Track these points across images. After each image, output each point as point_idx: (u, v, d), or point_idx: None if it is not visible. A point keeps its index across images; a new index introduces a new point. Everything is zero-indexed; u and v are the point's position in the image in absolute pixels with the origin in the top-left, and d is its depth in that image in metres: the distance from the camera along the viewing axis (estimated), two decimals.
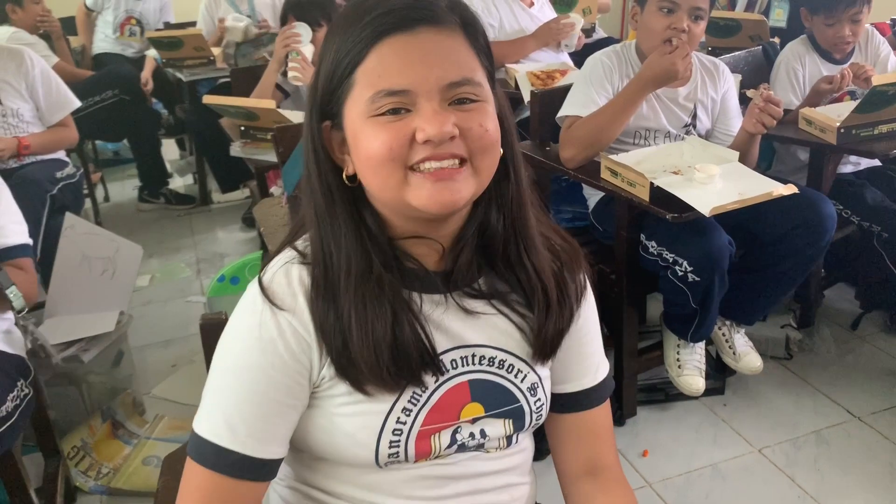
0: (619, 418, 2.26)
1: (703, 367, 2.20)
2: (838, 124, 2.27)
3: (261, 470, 0.88)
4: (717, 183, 1.90)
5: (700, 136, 2.24)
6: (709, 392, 2.29)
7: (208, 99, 2.76)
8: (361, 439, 0.88)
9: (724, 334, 2.27)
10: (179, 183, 4.56)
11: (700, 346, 2.21)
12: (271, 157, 2.41)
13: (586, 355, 1.03)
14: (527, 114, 2.57)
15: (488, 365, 0.93)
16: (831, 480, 2.06)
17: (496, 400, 0.94)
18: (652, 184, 1.90)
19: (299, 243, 0.92)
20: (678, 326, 2.17)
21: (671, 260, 1.99)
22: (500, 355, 0.94)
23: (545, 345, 0.94)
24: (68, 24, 4.36)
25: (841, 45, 2.59)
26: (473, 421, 0.93)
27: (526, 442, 1.02)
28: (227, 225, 3.97)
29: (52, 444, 1.97)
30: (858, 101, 2.26)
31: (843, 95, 2.58)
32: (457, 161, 0.83)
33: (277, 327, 0.86)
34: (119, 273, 2.41)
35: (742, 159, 2.04)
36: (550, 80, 2.90)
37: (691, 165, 1.97)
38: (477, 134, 0.83)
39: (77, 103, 2.94)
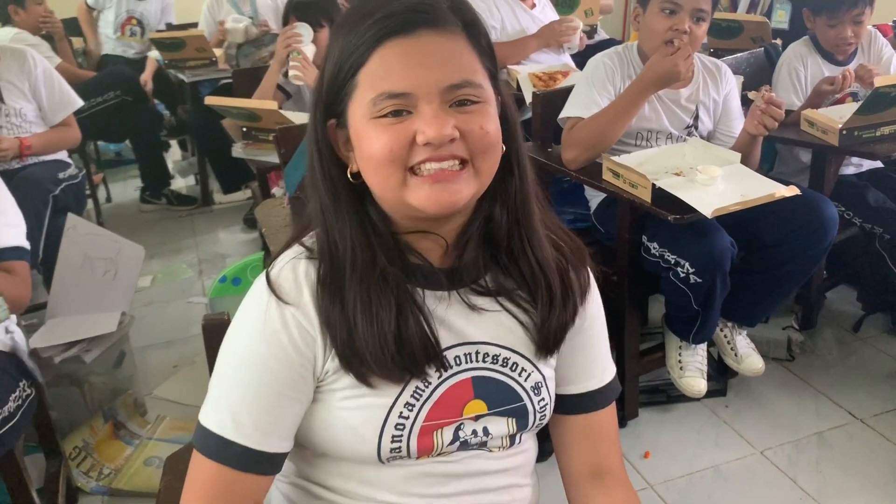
0: (621, 419, 2.26)
1: (705, 368, 2.20)
2: (840, 126, 2.27)
3: (265, 463, 0.89)
4: (718, 184, 1.90)
5: (702, 137, 2.24)
6: (710, 394, 2.29)
7: (210, 100, 2.77)
8: (364, 433, 0.88)
9: (725, 336, 2.27)
10: (181, 184, 4.57)
11: (702, 348, 2.21)
12: (273, 159, 2.41)
13: (592, 357, 1.03)
14: (529, 115, 2.57)
15: (492, 362, 0.93)
16: (833, 482, 2.05)
17: (499, 398, 0.94)
18: (654, 185, 1.90)
19: (307, 240, 0.93)
20: (680, 328, 2.16)
21: (673, 261, 1.99)
22: (504, 353, 0.94)
23: (548, 339, 0.94)
24: (70, 26, 4.37)
25: (843, 47, 2.59)
26: (476, 418, 0.93)
27: (529, 443, 1.02)
28: (229, 226, 3.97)
29: (53, 444, 1.97)
30: (861, 103, 2.26)
31: (845, 97, 2.58)
32: (457, 163, 0.84)
33: (282, 320, 0.87)
34: (121, 274, 2.41)
35: (744, 161, 2.04)
36: (552, 82, 2.90)
37: (693, 167, 1.97)
38: (477, 136, 0.84)
39: (80, 102, 2.95)
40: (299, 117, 2.47)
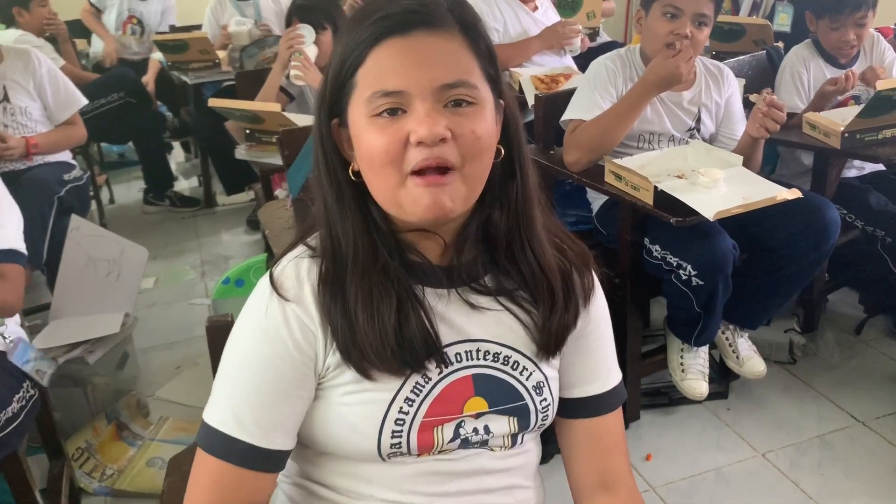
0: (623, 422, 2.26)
1: (707, 371, 2.20)
2: (842, 129, 2.27)
3: (267, 460, 0.90)
4: (721, 187, 1.90)
5: (704, 140, 2.24)
6: (712, 396, 2.29)
7: (214, 102, 2.78)
8: (364, 429, 0.89)
9: (727, 338, 2.27)
10: (184, 185, 4.58)
11: (704, 351, 2.21)
12: (276, 160, 2.41)
13: (596, 360, 1.03)
14: (531, 117, 2.57)
15: (493, 360, 0.94)
16: (835, 485, 2.05)
17: (500, 396, 0.94)
18: (656, 188, 1.90)
19: (310, 241, 0.94)
20: (682, 330, 2.17)
21: (675, 264, 2.00)
22: (505, 351, 0.94)
23: (550, 340, 0.95)
24: (74, 28, 4.38)
25: (846, 49, 2.59)
26: (477, 416, 0.93)
27: (532, 444, 1.02)
28: (232, 227, 3.98)
29: (56, 445, 1.97)
30: (863, 106, 2.26)
31: (847, 100, 2.59)
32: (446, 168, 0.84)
33: (283, 317, 0.88)
34: (124, 275, 2.42)
35: (746, 163, 2.04)
36: (554, 84, 2.90)
37: (695, 169, 1.97)
38: (469, 140, 0.84)
39: (84, 101, 2.98)
40: (302, 119, 2.48)
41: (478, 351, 0.93)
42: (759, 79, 2.79)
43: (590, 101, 2.18)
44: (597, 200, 2.35)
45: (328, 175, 0.91)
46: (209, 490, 0.90)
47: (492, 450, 0.96)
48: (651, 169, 2.01)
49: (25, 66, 2.78)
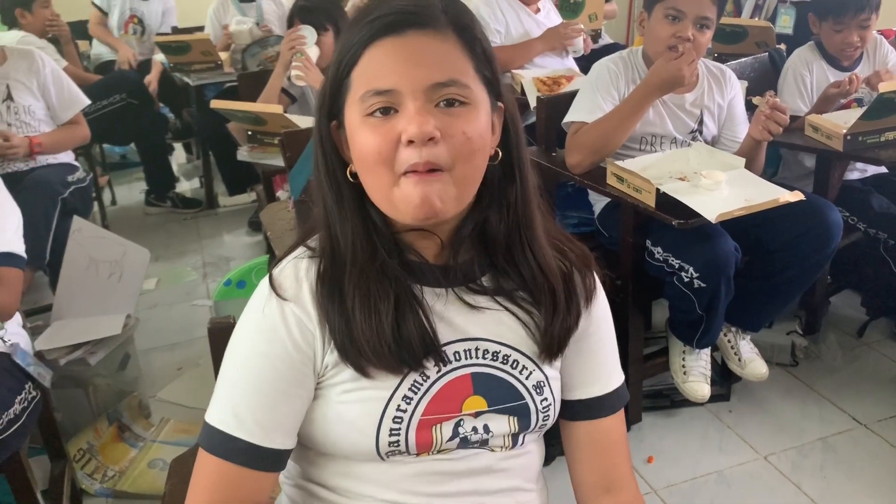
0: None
1: (709, 373, 2.20)
2: (845, 131, 2.27)
3: (267, 460, 0.90)
4: (723, 189, 1.90)
5: (706, 142, 2.24)
6: (714, 398, 2.29)
7: (216, 103, 2.78)
8: (362, 426, 0.89)
9: (729, 341, 2.27)
10: (186, 187, 4.58)
11: (705, 353, 2.20)
12: (278, 162, 2.41)
13: (598, 362, 1.03)
14: (533, 119, 2.57)
15: (492, 359, 0.94)
16: (837, 488, 2.05)
17: (499, 395, 0.94)
18: (658, 190, 1.90)
19: (311, 242, 0.95)
20: (684, 332, 2.16)
21: (677, 266, 2.00)
22: (504, 350, 0.94)
23: (552, 343, 0.95)
24: (77, 29, 4.39)
25: (849, 52, 2.59)
26: (476, 415, 0.93)
27: (533, 446, 1.01)
28: (234, 229, 3.98)
29: (58, 446, 1.97)
30: (865, 108, 2.26)
31: (850, 102, 2.58)
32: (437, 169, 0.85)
33: (281, 316, 0.89)
34: (126, 276, 2.42)
35: (748, 166, 2.04)
36: (556, 86, 2.90)
37: (697, 172, 1.97)
38: (459, 141, 0.85)
39: (87, 101, 2.98)
40: (304, 121, 2.48)
41: (477, 349, 0.93)
42: (761, 81, 2.79)
43: (592, 103, 2.18)
44: (599, 202, 2.35)
45: (327, 176, 0.92)
46: (210, 489, 0.90)
47: (492, 450, 0.96)
48: (653, 171, 2.01)
49: (29, 66, 2.79)
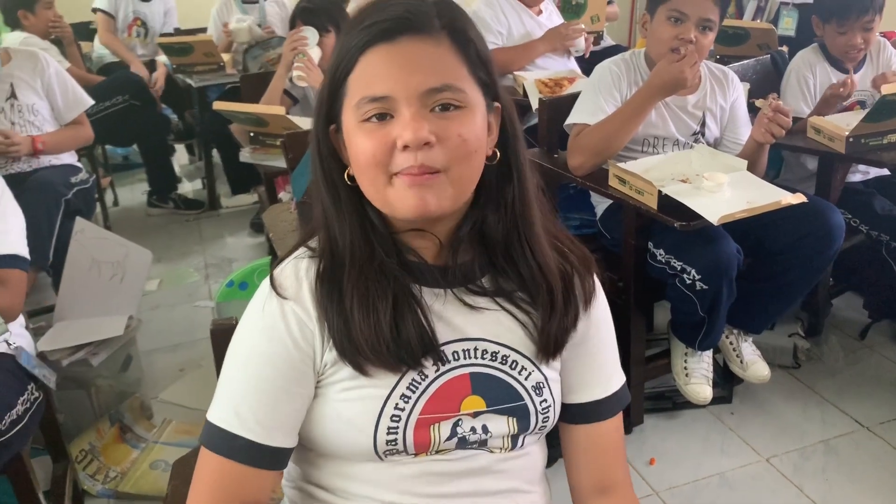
0: (626, 426, 2.25)
1: (711, 375, 2.19)
2: (847, 133, 2.27)
3: (268, 458, 0.91)
4: (725, 191, 1.90)
5: (708, 144, 2.24)
6: (716, 400, 2.29)
7: (219, 105, 2.78)
8: (360, 425, 0.90)
9: (731, 343, 2.26)
10: (188, 188, 4.59)
11: (707, 355, 2.20)
12: (280, 163, 2.42)
13: (598, 364, 1.03)
14: (535, 121, 2.58)
15: (491, 359, 0.94)
16: (839, 490, 2.05)
17: (498, 395, 0.94)
18: (660, 192, 1.90)
19: (311, 243, 0.96)
20: (686, 334, 2.16)
21: (679, 268, 1.99)
22: (503, 350, 0.95)
23: (549, 342, 0.95)
24: (79, 30, 4.39)
25: (852, 54, 2.58)
26: (475, 415, 0.93)
27: (534, 447, 1.01)
28: (236, 230, 3.98)
29: (60, 447, 1.97)
30: (867, 111, 2.26)
31: (852, 104, 2.58)
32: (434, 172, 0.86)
33: (281, 315, 0.90)
34: (128, 277, 2.42)
35: (750, 168, 2.04)
36: (558, 88, 2.90)
37: (700, 174, 1.97)
38: (454, 144, 0.86)
39: (90, 101, 2.98)
40: (306, 122, 2.49)
41: (475, 349, 0.94)
42: (764, 83, 2.79)
43: (594, 105, 2.18)
44: (601, 204, 2.35)
45: (325, 179, 0.93)
46: (211, 488, 0.91)
47: (491, 451, 0.96)
48: (655, 173, 2.01)
49: (34, 66, 2.80)
